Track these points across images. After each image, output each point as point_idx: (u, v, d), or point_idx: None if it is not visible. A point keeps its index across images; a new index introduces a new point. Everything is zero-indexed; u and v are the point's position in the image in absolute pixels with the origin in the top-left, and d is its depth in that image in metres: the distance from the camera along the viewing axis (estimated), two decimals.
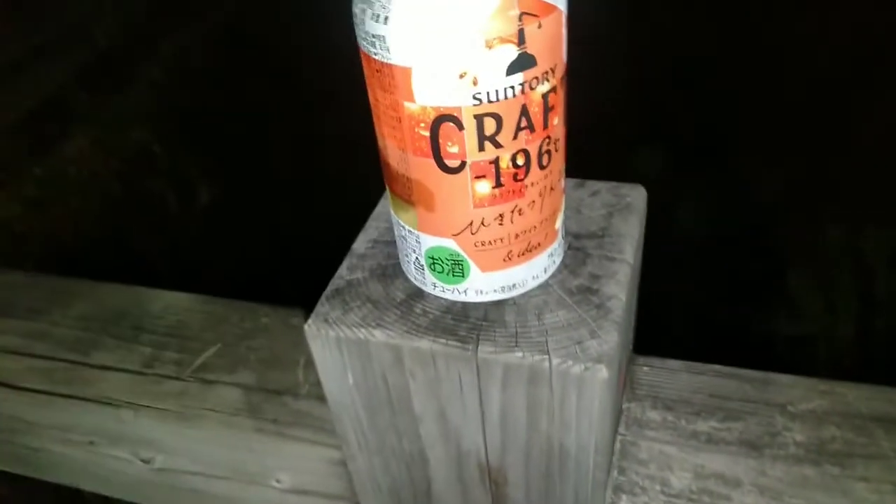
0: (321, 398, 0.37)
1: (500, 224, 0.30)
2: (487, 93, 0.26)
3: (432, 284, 0.33)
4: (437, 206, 0.30)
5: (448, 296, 0.33)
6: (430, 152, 0.28)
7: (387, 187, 0.32)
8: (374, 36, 0.26)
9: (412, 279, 0.34)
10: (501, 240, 0.31)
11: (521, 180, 0.29)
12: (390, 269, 0.36)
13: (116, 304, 0.58)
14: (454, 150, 0.28)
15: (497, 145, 0.28)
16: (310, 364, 0.49)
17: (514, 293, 0.33)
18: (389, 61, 0.26)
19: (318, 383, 0.37)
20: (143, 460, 0.50)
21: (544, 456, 0.34)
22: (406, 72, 0.26)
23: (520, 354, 0.31)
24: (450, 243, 0.31)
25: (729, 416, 0.44)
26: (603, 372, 0.30)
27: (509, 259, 0.31)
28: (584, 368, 0.30)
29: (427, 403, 0.34)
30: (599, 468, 0.35)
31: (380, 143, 0.30)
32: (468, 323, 0.32)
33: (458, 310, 0.33)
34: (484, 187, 0.29)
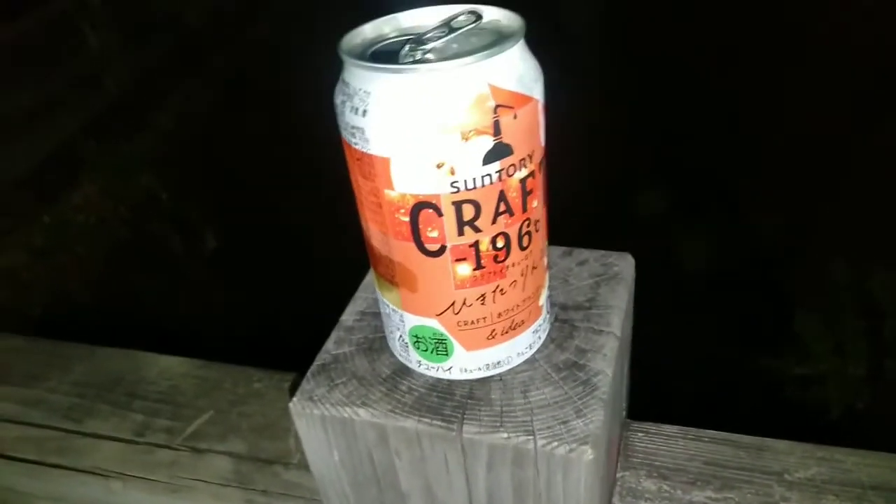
0: None
1: (483, 304, 0.30)
2: (465, 181, 0.27)
3: (417, 362, 0.33)
4: (420, 287, 0.30)
5: (433, 373, 0.33)
6: (411, 237, 0.28)
7: (371, 267, 0.33)
8: (353, 127, 0.27)
9: (397, 356, 0.34)
10: (484, 319, 0.31)
11: (502, 262, 0.29)
12: (377, 343, 0.36)
13: (113, 369, 0.58)
14: (434, 234, 0.28)
15: (476, 230, 0.28)
16: None
17: (500, 370, 0.33)
18: (369, 151, 0.27)
19: None
20: None
21: None
22: (385, 161, 0.27)
23: (505, 435, 0.30)
24: (433, 323, 0.31)
25: (725, 486, 0.43)
26: (588, 453, 0.29)
27: (493, 337, 0.32)
28: (570, 450, 0.30)
29: (413, 481, 0.34)
30: None
31: (363, 225, 0.31)
32: (453, 401, 0.32)
33: (443, 387, 0.33)
34: (465, 269, 0.29)
